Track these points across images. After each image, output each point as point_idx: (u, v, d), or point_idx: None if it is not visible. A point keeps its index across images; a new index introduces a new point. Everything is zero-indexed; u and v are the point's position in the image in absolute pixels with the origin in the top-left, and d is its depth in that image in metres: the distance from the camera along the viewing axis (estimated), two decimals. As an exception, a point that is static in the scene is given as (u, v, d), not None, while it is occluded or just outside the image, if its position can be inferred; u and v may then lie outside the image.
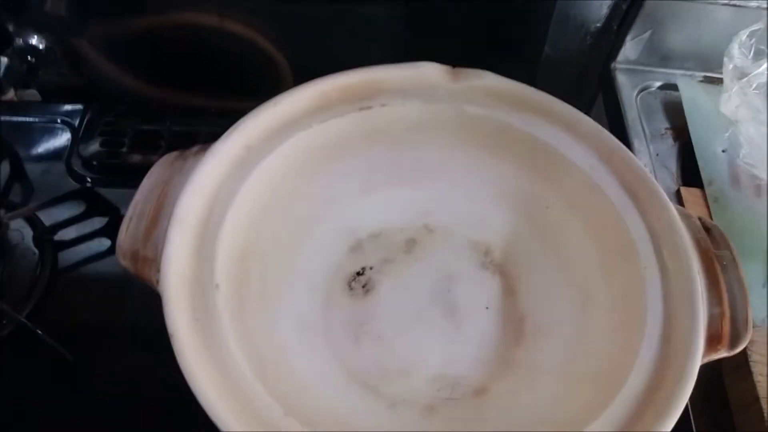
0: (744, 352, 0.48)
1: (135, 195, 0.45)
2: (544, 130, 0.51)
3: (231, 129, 0.47)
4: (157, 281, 0.40)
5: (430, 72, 0.53)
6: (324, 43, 0.75)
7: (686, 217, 0.46)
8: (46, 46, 0.79)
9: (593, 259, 0.49)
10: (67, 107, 0.73)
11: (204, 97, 0.76)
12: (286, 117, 0.49)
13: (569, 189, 0.51)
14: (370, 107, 0.52)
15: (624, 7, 0.68)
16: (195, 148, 0.46)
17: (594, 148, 0.50)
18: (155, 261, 0.41)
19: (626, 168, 0.48)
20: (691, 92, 0.71)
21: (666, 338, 0.42)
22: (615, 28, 0.72)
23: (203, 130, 0.69)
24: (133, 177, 0.65)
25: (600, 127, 0.50)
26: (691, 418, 0.49)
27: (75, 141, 0.69)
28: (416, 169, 0.56)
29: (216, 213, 0.44)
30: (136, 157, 0.67)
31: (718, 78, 0.69)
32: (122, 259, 0.42)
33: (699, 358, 0.39)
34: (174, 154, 0.47)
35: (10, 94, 0.77)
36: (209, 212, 0.44)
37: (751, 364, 0.50)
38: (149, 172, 0.46)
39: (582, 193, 0.50)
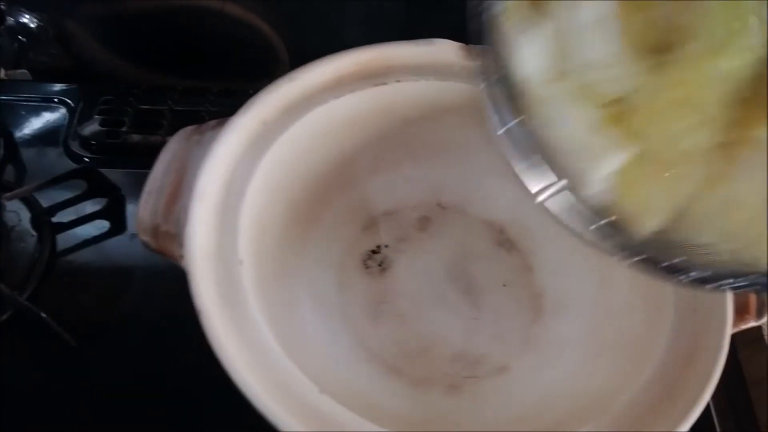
0: (758, 327, 0.49)
1: (152, 169, 0.43)
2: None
3: (248, 103, 0.46)
4: (181, 257, 0.39)
5: (445, 49, 0.52)
6: (320, 24, 0.74)
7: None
8: (38, 26, 0.76)
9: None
10: (63, 86, 0.71)
11: (199, 79, 0.75)
12: (303, 92, 0.48)
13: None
14: (384, 83, 0.51)
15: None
16: (212, 122, 0.45)
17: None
18: (178, 236, 0.40)
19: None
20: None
21: (693, 309, 0.42)
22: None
23: (206, 110, 0.67)
24: (133, 157, 0.65)
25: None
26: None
27: (72, 120, 0.67)
28: (429, 146, 0.55)
29: (235, 188, 0.43)
30: (136, 137, 0.65)
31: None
32: (142, 234, 0.41)
33: (729, 328, 0.40)
34: (190, 128, 0.45)
35: (1, 74, 0.75)
36: (229, 187, 0.43)
37: (766, 338, 0.50)
38: (165, 146, 0.44)
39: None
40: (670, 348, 0.41)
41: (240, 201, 0.43)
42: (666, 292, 0.43)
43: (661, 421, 0.37)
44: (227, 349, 0.36)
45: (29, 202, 0.60)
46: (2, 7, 0.74)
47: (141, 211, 0.41)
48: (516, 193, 0.53)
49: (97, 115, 0.67)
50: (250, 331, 0.37)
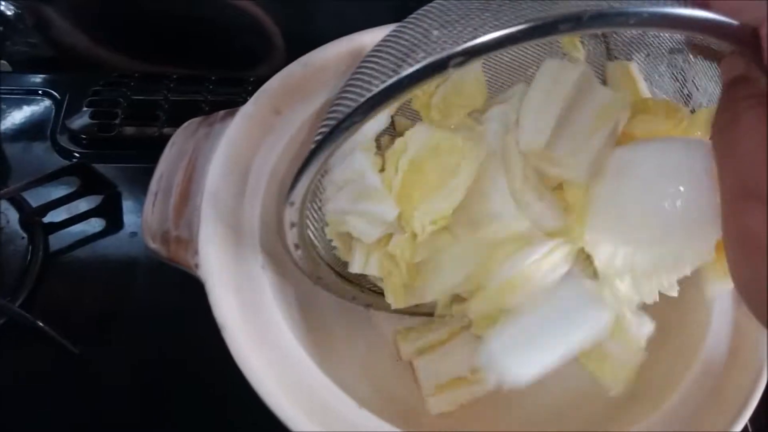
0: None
1: (157, 166, 0.40)
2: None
3: (259, 92, 0.42)
4: (196, 266, 0.35)
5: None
6: (317, 10, 0.70)
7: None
8: (15, 13, 0.71)
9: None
10: (48, 76, 0.66)
11: (191, 67, 0.70)
12: (316, 78, 0.44)
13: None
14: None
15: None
16: (221, 113, 0.41)
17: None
18: (191, 242, 0.36)
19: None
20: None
21: (738, 299, 0.39)
22: None
23: (204, 99, 0.63)
24: (128, 151, 0.61)
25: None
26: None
27: (59, 113, 0.62)
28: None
29: (251, 185, 0.39)
30: (130, 130, 0.61)
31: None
32: (151, 242, 0.37)
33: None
34: (196, 120, 0.41)
35: (-22, 65, 0.70)
36: (243, 184, 0.39)
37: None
38: (171, 141, 0.40)
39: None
40: (716, 338, 0.39)
41: (256, 199, 0.39)
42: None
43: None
44: (255, 368, 0.33)
45: (17, 202, 0.56)
46: (-23, -6, 0.70)
47: (147, 215, 0.37)
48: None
49: (87, 107, 0.62)
50: (279, 346, 0.34)
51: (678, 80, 0.38)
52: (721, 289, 0.37)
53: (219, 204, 0.37)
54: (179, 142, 0.40)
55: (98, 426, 0.48)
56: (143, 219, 0.37)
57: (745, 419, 0.37)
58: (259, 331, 0.34)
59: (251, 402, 0.46)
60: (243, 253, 0.37)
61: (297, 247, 0.35)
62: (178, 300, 0.51)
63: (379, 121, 0.38)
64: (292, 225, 0.33)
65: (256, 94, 0.42)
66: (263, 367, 0.32)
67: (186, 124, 0.41)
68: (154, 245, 0.36)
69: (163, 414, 0.48)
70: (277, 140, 0.42)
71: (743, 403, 0.37)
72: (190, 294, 0.50)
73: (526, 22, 0.23)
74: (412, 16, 0.29)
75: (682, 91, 0.39)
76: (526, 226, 0.36)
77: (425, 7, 0.29)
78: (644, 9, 0.22)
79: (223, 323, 0.33)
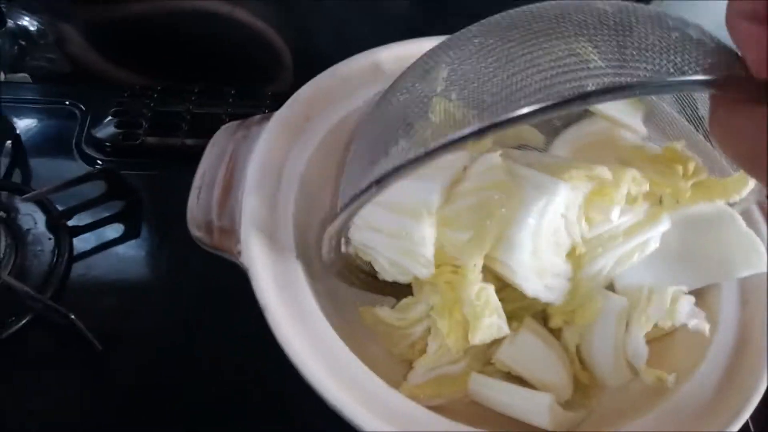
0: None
1: (200, 164, 0.42)
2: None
3: (292, 99, 0.45)
4: (239, 253, 0.38)
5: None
6: (326, 30, 0.74)
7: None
8: (38, 29, 0.74)
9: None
10: (74, 88, 0.69)
11: (206, 82, 0.74)
12: (342, 88, 0.48)
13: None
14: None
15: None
16: (257, 118, 0.45)
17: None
18: (234, 232, 0.39)
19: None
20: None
21: (745, 302, 0.42)
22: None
23: (224, 112, 0.66)
24: (150, 159, 0.64)
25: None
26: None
27: (84, 123, 0.65)
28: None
29: (286, 181, 0.42)
30: (153, 140, 0.64)
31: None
32: (196, 230, 0.40)
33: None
34: (234, 123, 0.45)
35: (0, 77, 0.73)
36: (279, 180, 0.42)
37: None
38: (211, 141, 0.43)
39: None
40: (724, 336, 0.41)
41: (291, 193, 0.42)
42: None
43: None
44: (295, 344, 0.35)
45: (44, 206, 0.58)
46: (3, 8, 0.73)
47: (192, 207, 0.40)
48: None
49: (112, 116, 0.65)
50: (315, 327, 0.37)
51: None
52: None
53: (258, 197, 0.40)
54: (220, 142, 0.43)
55: (112, 419, 0.49)
56: (188, 210, 0.40)
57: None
58: (297, 312, 0.36)
59: (266, 399, 0.49)
60: (280, 244, 0.39)
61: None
62: (195, 305, 0.54)
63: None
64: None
65: (289, 101, 0.45)
66: (301, 343, 0.35)
67: (225, 126, 0.44)
68: (198, 234, 0.39)
69: (174, 412, 0.50)
70: (307, 143, 0.45)
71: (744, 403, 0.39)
72: (206, 299, 0.54)
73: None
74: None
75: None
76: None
77: None
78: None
79: (265, 305, 0.36)
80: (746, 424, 0.46)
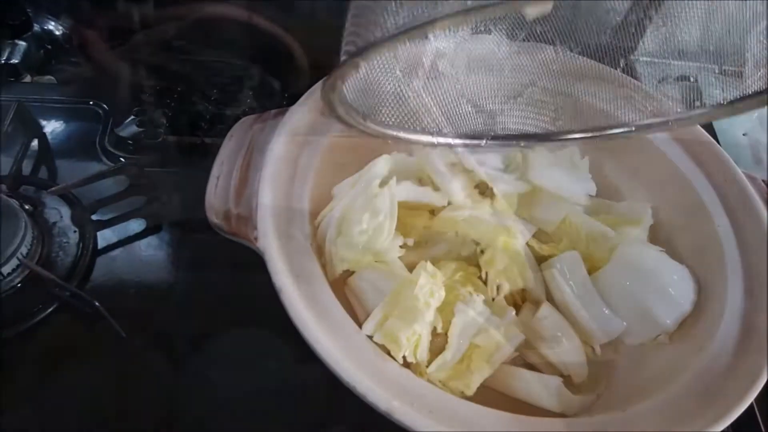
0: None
1: (218, 155, 0.44)
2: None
3: (307, 93, 0.47)
4: (256, 238, 0.40)
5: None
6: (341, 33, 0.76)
7: (752, 180, 0.48)
8: (63, 33, 0.77)
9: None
10: (96, 88, 0.71)
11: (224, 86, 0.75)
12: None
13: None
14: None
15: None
16: (273, 112, 0.46)
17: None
18: (250, 219, 0.40)
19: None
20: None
21: (749, 291, 0.43)
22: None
23: (242, 112, 0.68)
24: (171, 157, 0.66)
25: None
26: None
27: (107, 121, 0.67)
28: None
29: (300, 174, 0.44)
30: (173, 138, 0.66)
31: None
32: (214, 218, 0.41)
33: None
34: (252, 117, 0.46)
35: (26, 80, 0.75)
36: (294, 173, 0.44)
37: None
38: (229, 134, 0.45)
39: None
40: (729, 325, 0.42)
41: (305, 183, 0.44)
42: (724, 273, 0.45)
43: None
44: (309, 324, 0.36)
45: (69, 200, 0.60)
46: (29, 13, 0.75)
47: (210, 195, 0.42)
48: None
49: (135, 115, 0.67)
50: (328, 307, 0.38)
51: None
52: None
53: (274, 187, 0.42)
54: (237, 134, 0.45)
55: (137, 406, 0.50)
56: (207, 199, 0.41)
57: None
58: (310, 293, 0.38)
59: (287, 388, 0.50)
60: (294, 231, 0.41)
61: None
62: (214, 297, 0.56)
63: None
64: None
65: (305, 95, 0.47)
66: (314, 322, 0.36)
67: (242, 120, 0.46)
68: (216, 221, 0.41)
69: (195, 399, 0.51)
70: (320, 138, 0.46)
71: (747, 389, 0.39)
72: (229, 288, 0.56)
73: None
74: None
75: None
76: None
77: None
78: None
79: (280, 287, 0.37)
80: (751, 408, 0.47)
